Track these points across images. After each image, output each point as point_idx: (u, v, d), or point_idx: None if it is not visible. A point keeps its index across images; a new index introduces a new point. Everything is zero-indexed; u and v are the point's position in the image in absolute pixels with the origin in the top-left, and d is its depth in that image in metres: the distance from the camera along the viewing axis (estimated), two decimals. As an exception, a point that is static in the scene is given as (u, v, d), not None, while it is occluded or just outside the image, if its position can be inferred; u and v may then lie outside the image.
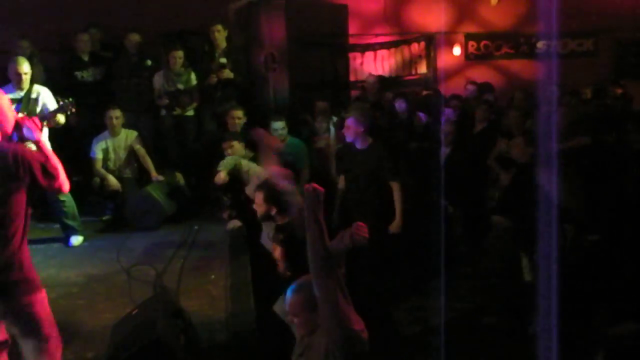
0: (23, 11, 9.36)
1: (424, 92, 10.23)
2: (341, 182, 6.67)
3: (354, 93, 10.72)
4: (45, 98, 6.82)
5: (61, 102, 6.44)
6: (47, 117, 6.33)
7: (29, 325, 3.69)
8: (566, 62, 11.25)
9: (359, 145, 6.32)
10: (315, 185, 3.62)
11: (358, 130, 6.24)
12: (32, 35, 8.58)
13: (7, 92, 6.81)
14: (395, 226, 6.21)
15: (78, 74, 8.58)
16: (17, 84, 6.76)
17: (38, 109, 6.79)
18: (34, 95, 6.80)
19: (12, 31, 8.71)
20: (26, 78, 6.77)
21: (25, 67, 6.73)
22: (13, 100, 6.83)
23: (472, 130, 8.12)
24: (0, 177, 3.59)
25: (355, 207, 6.34)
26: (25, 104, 6.77)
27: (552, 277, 3.40)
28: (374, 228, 3.93)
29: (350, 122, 6.30)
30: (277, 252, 4.78)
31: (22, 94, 6.82)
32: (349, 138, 6.37)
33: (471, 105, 8.95)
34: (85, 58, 8.64)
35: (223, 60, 8.59)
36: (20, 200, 3.65)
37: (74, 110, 6.39)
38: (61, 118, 6.43)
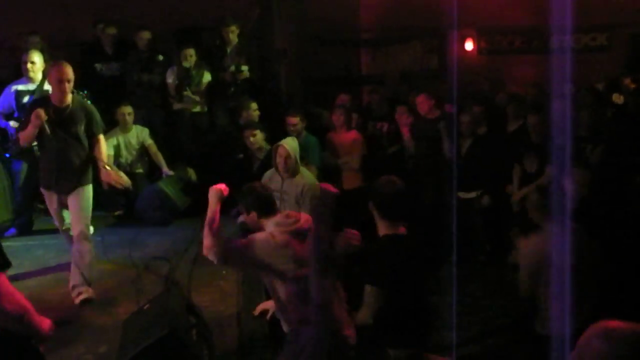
0: (33, 7, 9.37)
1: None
2: None
3: (366, 88, 10.70)
4: None
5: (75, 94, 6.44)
6: None
7: None
8: (580, 56, 11.16)
9: None
10: (328, 186, 3.60)
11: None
12: (42, 31, 8.60)
13: (20, 84, 6.94)
14: None
15: (98, 66, 8.58)
16: (27, 72, 6.84)
17: None
18: (46, 87, 6.84)
19: (22, 27, 8.73)
20: (34, 67, 6.86)
21: (34, 57, 6.85)
22: (26, 92, 6.90)
23: (500, 125, 7.90)
24: None
25: None
26: (38, 96, 6.81)
27: (566, 280, 3.36)
28: None
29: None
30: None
31: (34, 86, 6.86)
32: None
33: (488, 99, 8.86)
34: (110, 51, 8.64)
35: (245, 67, 8.57)
36: None
37: (88, 102, 6.41)
38: None
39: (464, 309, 5.57)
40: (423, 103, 7.72)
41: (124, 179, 7.68)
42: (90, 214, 5.89)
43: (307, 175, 5.67)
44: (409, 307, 3.83)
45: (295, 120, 7.30)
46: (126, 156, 7.94)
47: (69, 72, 5.51)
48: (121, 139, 7.89)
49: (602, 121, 7.35)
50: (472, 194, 7.15)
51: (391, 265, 3.78)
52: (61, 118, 5.63)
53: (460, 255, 5.58)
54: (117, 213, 7.84)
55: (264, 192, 4.20)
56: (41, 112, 5.47)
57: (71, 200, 5.76)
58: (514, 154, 7.03)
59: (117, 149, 7.88)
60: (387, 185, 3.94)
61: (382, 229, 3.92)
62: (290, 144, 5.56)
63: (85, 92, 6.49)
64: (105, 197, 7.94)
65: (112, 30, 8.67)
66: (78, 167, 5.73)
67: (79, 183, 5.76)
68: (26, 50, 7.14)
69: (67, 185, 5.74)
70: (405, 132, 7.76)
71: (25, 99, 6.85)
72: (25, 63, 6.91)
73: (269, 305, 4.38)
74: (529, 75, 10.96)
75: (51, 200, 5.89)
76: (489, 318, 5.77)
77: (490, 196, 7.10)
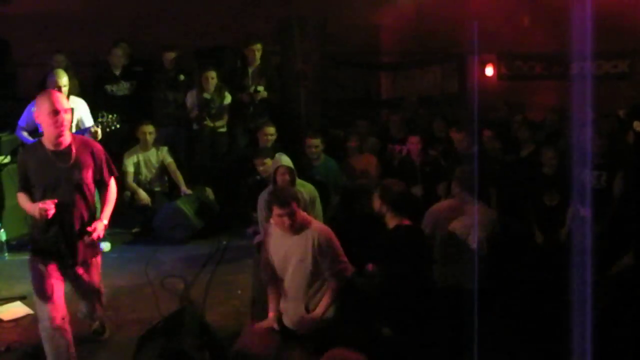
0: (58, 26, 9.54)
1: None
2: None
3: (385, 111, 10.72)
4: (82, 111, 6.93)
5: (105, 117, 6.55)
6: (88, 132, 6.48)
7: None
8: (601, 84, 11.11)
9: None
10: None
11: None
12: (67, 50, 8.74)
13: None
14: None
15: (108, 87, 8.73)
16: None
17: (74, 121, 6.90)
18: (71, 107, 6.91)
19: (48, 45, 8.87)
20: (65, 90, 6.91)
21: (64, 80, 6.86)
22: None
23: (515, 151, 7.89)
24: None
25: None
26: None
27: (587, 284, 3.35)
28: None
29: None
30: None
31: None
32: None
33: (506, 125, 8.85)
34: (117, 72, 8.79)
35: (261, 88, 8.63)
36: None
37: (118, 126, 6.54)
38: (99, 132, 6.50)
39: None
40: (413, 145, 7.79)
41: (143, 196, 7.78)
42: (102, 289, 4.95)
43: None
44: (410, 288, 4.62)
45: (315, 142, 7.34)
46: (146, 174, 8.00)
47: (62, 97, 4.44)
48: (141, 157, 7.96)
49: (623, 148, 7.31)
50: None
51: (400, 248, 4.70)
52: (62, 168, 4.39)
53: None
54: (134, 230, 7.88)
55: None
56: (46, 209, 4.25)
57: (77, 276, 4.61)
58: (528, 181, 7.01)
59: (137, 166, 7.95)
60: (396, 185, 5.02)
61: (391, 221, 4.85)
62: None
63: (115, 115, 6.52)
64: (123, 214, 8.04)
65: (119, 52, 8.80)
66: (84, 232, 4.46)
67: (87, 255, 4.59)
68: (52, 70, 7.18)
69: (71, 259, 4.50)
70: (417, 161, 7.76)
71: None
72: (57, 87, 6.84)
73: (270, 320, 4.63)
74: (549, 101, 10.93)
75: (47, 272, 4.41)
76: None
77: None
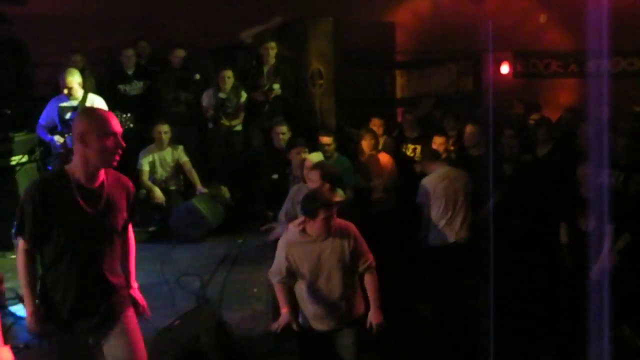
0: (76, 26, 9.59)
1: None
2: None
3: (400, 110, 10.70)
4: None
5: (119, 117, 6.56)
6: None
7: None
8: (617, 81, 11.04)
9: None
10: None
11: None
12: (84, 50, 8.80)
13: (62, 101, 7.08)
14: None
15: (121, 87, 8.81)
16: (69, 94, 6.97)
17: None
18: (88, 104, 6.99)
19: (63, 45, 8.93)
20: (76, 87, 6.98)
21: (72, 80, 6.94)
22: (69, 108, 7.04)
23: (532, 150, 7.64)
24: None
25: None
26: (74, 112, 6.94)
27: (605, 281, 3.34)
28: None
29: None
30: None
31: (76, 102, 7.00)
32: None
33: (523, 123, 8.80)
34: (130, 72, 8.87)
35: (276, 86, 8.66)
36: None
37: (131, 125, 6.58)
38: None
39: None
40: (437, 146, 7.42)
41: (158, 195, 7.81)
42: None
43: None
44: None
45: (328, 140, 7.35)
46: (161, 173, 8.03)
47: (115, 120, 3.45)
48: (156, 156, 7.98)
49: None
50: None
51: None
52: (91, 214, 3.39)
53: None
54: (150, 229, 7.90)
55: None
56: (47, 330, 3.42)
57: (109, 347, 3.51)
58: (548, 180, 6.91)
59: (152, 165, 7.98)
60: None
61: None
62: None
63: (130, 114, 6.60)
64: (139, 213, 8.07)
65: (129, 52, 8.88)
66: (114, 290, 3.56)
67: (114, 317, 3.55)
68: (65, 71, 7.24)
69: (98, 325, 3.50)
70: None
71: (68, 115, 6.98)
72: (66, 86, 6.95)
73: (286, 317, 4.58)
74: (565, 99, 10.89)
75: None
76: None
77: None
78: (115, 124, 3.37)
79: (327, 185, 5.49)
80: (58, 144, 6.98)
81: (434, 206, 6.57)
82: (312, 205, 4.49)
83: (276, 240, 5.19)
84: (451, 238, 6.54)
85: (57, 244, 3.32)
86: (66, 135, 6.87)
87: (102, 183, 3.41)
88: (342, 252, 4.57)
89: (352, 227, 4.69)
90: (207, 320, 4.68)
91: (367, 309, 4.67)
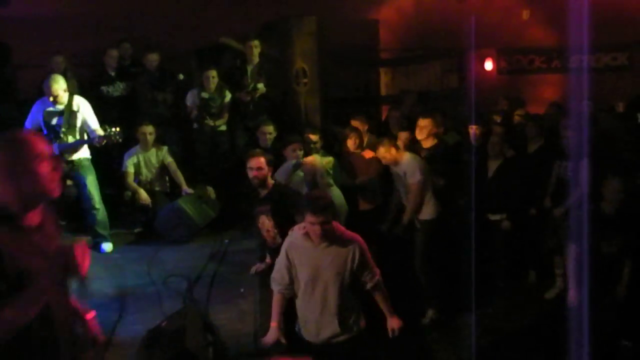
0: (56, 28, 9.55)
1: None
2: None
3: (385, 107, 10.73)
4: (85, 112, 7.00)
5: (108, 131, 6.81)
6: (94, 143, 6.86)
7: None
8: (600, 76, 11.12)
9: None
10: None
11: None
12: (67, 50, 8.75)
13: (47, 105, 7.00)
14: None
15: (104, 88, 8.78)
16: (54, 101, 6.91)
17: (78, 123, 6.97)
18: (74, 108, 6.97)
19: (46, 47, 8.88)
20: (62, 94, 6.91)
21: (57, 87, 6.88)
22: (55, 113, 6.98)
23: (520, 146, 7.72)
24: None
25: None
26: (67, 116, 6.93)
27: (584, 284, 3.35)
28: None
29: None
30: (267, 224, 5.72)
31: (61, 107, 6.94)
32: None
33: (510, 119, 8.83)
34: (112, 73, 8.85)
35: (261, 85, 8.65)
36: None
37: (120, 140, 6.76)
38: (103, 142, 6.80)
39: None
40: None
41: (143, 196, 7.78)
42: None
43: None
44: None
45: (314, 138, 7.36)
46: (146, 174, 8.00)
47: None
48: (141, 157, 7.95)
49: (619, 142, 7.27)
50: (497, 217, 7.11)
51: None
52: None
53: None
54: (136, 230, 7.88)
55: None
56: None
57: None
58: (537, 176, 6.97)
59: (137, 167, 7.94)
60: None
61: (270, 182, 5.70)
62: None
63: (119, 129, 6.86)
64: (125, 215, 8.05)
65: (113, 53, 8.87)
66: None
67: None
68: (50, 73, 7.18)
69: None
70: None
71: (55, 121, 6.94)
72: (52, 94, 6.86)
73: (274, 332, 4.53)
74: (549, 94, 10.94)
75: None
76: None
77: (512, 220, 7.03)
78: (45, 145, 2.75)
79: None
80: None
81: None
82: (304, 203, 4.41)
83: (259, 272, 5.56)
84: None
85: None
86: (54, 143, 6.82)
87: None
88: (344, 264, 4.38)
89: (359, 239, 4.48)
90: (194, 321, 4.66)
91: (373, 321, 4.60)
